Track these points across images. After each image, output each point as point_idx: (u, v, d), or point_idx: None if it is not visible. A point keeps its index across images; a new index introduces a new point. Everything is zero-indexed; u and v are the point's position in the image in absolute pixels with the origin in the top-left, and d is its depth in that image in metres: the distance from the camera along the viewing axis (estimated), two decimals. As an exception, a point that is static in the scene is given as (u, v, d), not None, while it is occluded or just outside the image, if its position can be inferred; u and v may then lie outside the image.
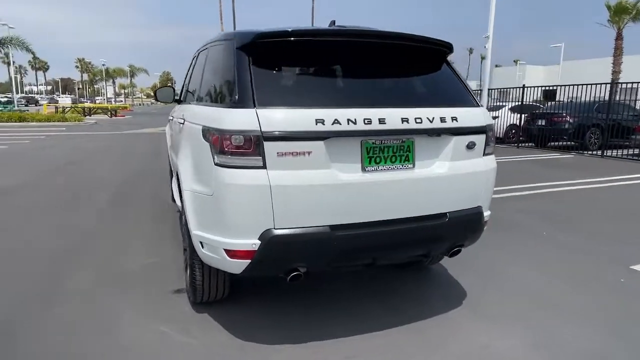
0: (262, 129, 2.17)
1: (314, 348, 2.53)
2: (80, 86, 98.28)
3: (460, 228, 2.69)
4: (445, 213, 2.58)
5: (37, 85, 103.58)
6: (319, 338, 2.62)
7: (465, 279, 3.50)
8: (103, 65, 76.10)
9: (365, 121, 2.30)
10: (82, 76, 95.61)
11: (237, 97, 2.27)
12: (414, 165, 2.48)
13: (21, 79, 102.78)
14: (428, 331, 2.73)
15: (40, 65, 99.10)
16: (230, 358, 2.45)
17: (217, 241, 2.33)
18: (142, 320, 2.81)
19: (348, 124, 2.27)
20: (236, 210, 2.24)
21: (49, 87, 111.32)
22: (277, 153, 2.19)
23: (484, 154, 2.74)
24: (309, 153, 2.22)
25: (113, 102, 68.67)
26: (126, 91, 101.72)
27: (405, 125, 2.39)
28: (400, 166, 2.45)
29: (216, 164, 2.25)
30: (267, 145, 2.17)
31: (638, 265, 3.79)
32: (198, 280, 2.77)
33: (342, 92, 2.50)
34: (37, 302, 3.03)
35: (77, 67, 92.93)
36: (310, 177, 2.24)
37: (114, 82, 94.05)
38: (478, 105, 2.76)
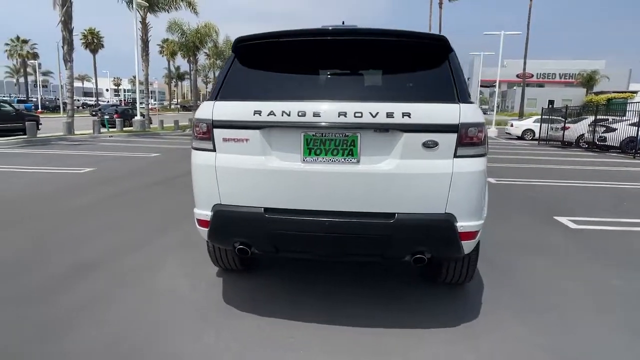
0: (214, 118, 2.58)
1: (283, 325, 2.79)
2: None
3: (414, 233, 2.48)
4: (393, 213, 2.44)
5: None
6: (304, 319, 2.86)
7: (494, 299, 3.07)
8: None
9: (299, 114, 2.44)
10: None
11: (214, 93, 2.74)
12: (358, 160, 2.46)
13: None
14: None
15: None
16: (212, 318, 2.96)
17: (194, 212, 2.85)
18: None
19: (282, 115, 2.46)
20: (198, 186, 2.71)
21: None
22: (223, 139, 2.57)
23: (457, 156, 2.44)
24: (247, 140, 2.52)
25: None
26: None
27: (342, 119, 2.41)
28: (343, 160, 2.47)
29: (192, 147, 2.77)
30: (216, 132, 2.58)
31: None
32: (209, 248, 3.34)
33: (287, 87, 2.67)
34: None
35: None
36: (248, 162, 2.53)
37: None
38: (456, 102, 2.47)
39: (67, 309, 2.89)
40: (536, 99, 53.34)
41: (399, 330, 2.73)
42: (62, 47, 18.22)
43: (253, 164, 2.53)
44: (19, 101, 43.96)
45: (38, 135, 15.90)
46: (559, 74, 63.14)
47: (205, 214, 2.69)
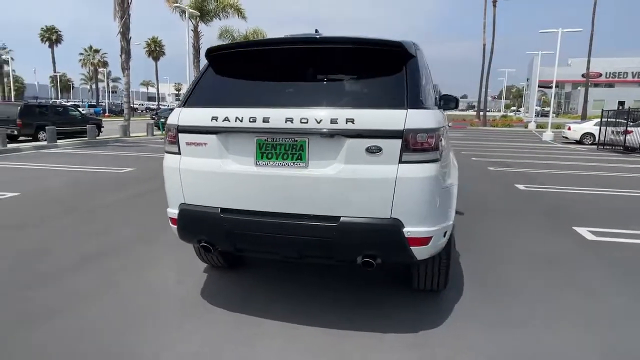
0: (179, 123, 2.77)
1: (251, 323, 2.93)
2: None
3: (359, 237, 2.51)
4: (338, 217, 2.49)
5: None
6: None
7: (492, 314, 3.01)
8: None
9: (250, 119, 2.56)
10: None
11: (183, 100, 2.93)
12: (307, 165, 2.53)
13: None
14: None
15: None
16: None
17: (167, 211, 3.04)
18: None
19: (235, 121, 2.59)
20: (167, 186, 2.91)
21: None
22: (186, 143, 2.75)
23: (402, 161, 2.44)
24: (205, 144, 2.68)
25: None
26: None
27: (289, 125, 2.49)
28: (292, 164, 2.55)
29: (164, 151, 2.97)
30: (180, 136, 2.76)
31: None
32: (194, 245, 3.54)
33: (245, 94, 2.78)
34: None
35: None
36: (207, 164, 2.68)
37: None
38: (404, 107, 2.46)
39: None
40: (604, 100, 49.53)
41: (370, 334, 2.74)
42: (120, 55, 19.62)
43: (211, 167, 2.68)
44: (90, 105, 47.78)
45: (98, 138, 17.29)
46: (632, 72, 58.43)
47: (174, 212, 2.88)
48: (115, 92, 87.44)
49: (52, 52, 61.24)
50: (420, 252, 2.58)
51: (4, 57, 55.92)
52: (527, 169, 10.70)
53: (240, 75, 2.92)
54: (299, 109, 2.52)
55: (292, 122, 2.49)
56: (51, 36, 59.95)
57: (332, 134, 2.47)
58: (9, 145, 13.41)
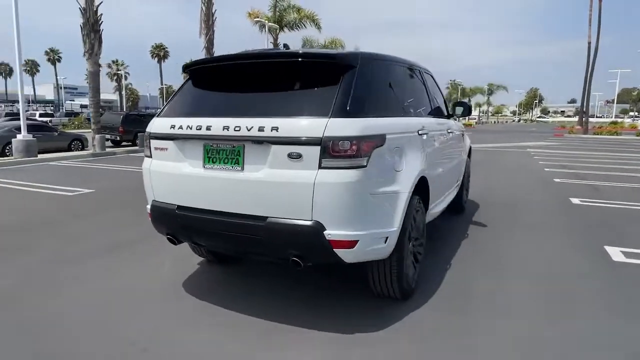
0: (150, 131, 3.18)
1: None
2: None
3: (284, 236, 2.67)
4: (266, 217, 2.68)
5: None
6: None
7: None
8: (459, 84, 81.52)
9: (197, 127, 2.87)
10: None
11: (159, 111, 3.36)
12: (243, 168, 2.77)
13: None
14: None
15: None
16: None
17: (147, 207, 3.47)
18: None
19: (187, 129, 2.92)
20: (145, 185, 3.33)
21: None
22: (155, 148, 3.14)
23: (321, 167, 2.55)
24: (167, 149, 3.05)
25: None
26: (482, 109, 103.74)
27: (225, 132, 2.76)
28: (231, 167, 2.80)
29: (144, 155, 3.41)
30: (151, 142, 3.17)
31: None
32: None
33: (201, 105, 3.10)
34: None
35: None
36: (168, 167, 3.06)
37: (469, 101, 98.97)
38: (326, 117, 2.58)
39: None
40: None
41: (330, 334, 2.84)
42: (205, 68, 21.41)
43: (171, 169, 3.04)
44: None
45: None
46: None
47: (148, 207, 3.29)
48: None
49: (160, 67, 69.20)
50: (346, 255, 2.66)
51: (121, 72, 64.03)
52: (602, 181, 9.64)
53: (200, 89, 3.27)
54: (235, 118, 2.77)
55: (227, 130, 2.76)
56: (159, 52, 67.58)
57: (261, 141, 2.68)
58: (108, 149, 15.58)
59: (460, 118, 5.30)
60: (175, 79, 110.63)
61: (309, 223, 2.61)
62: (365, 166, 2.61)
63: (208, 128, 2.84)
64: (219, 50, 22.03)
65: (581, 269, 4.11)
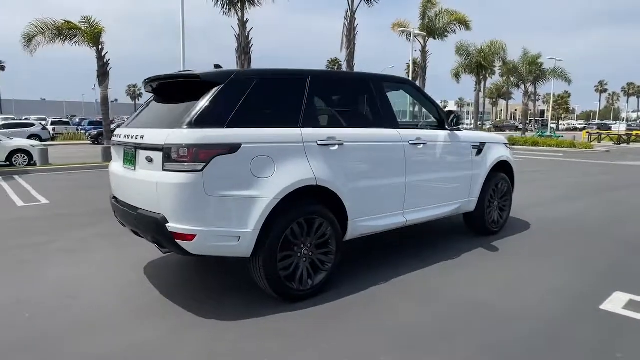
0: (112, 139, 4.12)
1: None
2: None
3: (145, 225, 3.23)
4: (137, 208, 3.29)
5: (627, 112, 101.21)
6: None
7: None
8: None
9: (116, 135, 3.65)
10: None
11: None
12: (135, 169, 3.42)
13: (612, 105, 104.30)
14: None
15: (634, 91, 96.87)
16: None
17: None
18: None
19: (116, 137, 3.73)
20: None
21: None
22: (112, 152, 4.06)
23: (164, 169, 3.03)
24: (113, 153, 3.92)
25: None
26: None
27: (127, 140, 3.47)
28: (132, 168, 3.49)
29: None
30: (111, 148, 4.10)
31: None
32: None
33: (132, 117, 3.83)
34: None
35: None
36: (112, 166, 3.92)
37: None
38: (176, 127, 3.03)
39: (93, 245, 5.08)
40: None
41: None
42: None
43: (113, 168, 3.90)
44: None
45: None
46: None
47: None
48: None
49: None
50: (188, 246, 3.06)
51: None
52: None
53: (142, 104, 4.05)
54: (134, 129, 3.48)
55: (128, 138, 3.47)
56: (334, 67, 73.35)
57: (136, 147, 3.31)
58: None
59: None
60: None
61: (156, 216, 3.11)
62: (200, 170, 2.97)
63: (119, 136, 3.62)
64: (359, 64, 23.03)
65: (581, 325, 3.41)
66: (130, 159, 3.52)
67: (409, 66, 26.73)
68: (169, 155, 3.02)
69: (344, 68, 22.77)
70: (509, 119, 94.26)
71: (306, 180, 3.39)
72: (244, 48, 18.09)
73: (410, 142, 4.23)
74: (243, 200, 3.12)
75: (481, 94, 31.96)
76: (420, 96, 4.84)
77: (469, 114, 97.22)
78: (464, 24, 24.85)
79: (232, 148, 3.08)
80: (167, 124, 3.21)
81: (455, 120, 4.68)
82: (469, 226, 5.50)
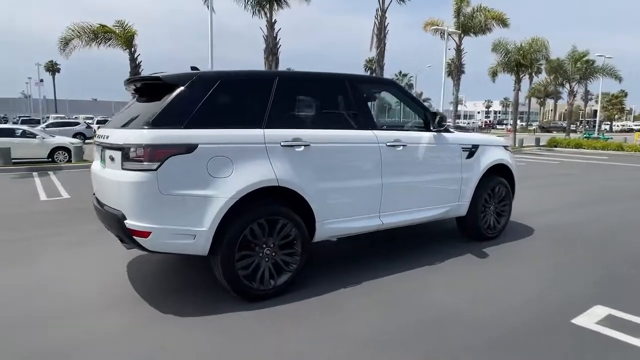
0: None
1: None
2: None
3: (110, 221, 3.37)
4: (104, 205, 3.43)
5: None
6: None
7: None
8: None
9: (95, 135, 3.82)
10: None
11: None
12: (104, 167, 3.58)
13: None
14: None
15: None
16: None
17: None
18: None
19: (95, 137, 3.91)
20: None
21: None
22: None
23: (123, 168, 3.15)
24: (95, 152, 4.12)
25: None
26: None
27: (100, 140, 3.62)
28: (103, 166, 3.64)
29: None
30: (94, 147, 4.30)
31: None
32: None
33: (111, 119, 3.97)
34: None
35: None
36: (93, 165, 4.09)
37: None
38: (140, 128, 3.15)
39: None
40: None
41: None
42: (375, 80, 22.48)
43: (93, 167, 4.06)
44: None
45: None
46: None
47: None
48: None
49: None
50: (145, 243, 3.18)
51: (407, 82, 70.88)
52: None
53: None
54: (104, 129, 3.64)
55: (99, 138, 3.64)
56: (372, 66, 72.67)
57: (104, 147, 3.47)
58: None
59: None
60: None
61: (117, 212, 3.24)
62: (154, 170, 3.07)
63: (99, 136, 3.79)
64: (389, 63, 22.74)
65: (550, 338, 3.26)
66: (102, 158, 3.68)
67: (449, 64, 26.03)
68: (127, 155, 3.14)
69: (375, 67, 22.57)
70: (557, 119, 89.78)
71: (267, 181, 3.42)
72: (271, 49, 18.36)
73: (388, 143, 4.16)
74: (198, 199, 3.19)
75: (522, 94, 30.56)
76: (405, 97, 4.74)
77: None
78: (501, 21, 23.95)
79: (189, 148, 3.16)
80: (131, 124, 3.34)
81: (439, 121, 4.53)
82: (462, 231, 5.33)
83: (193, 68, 3.99)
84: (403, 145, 4.28)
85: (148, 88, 3.59)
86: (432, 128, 4.58)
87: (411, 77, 69.79)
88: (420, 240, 5.34)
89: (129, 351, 2.82)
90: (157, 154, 3.08)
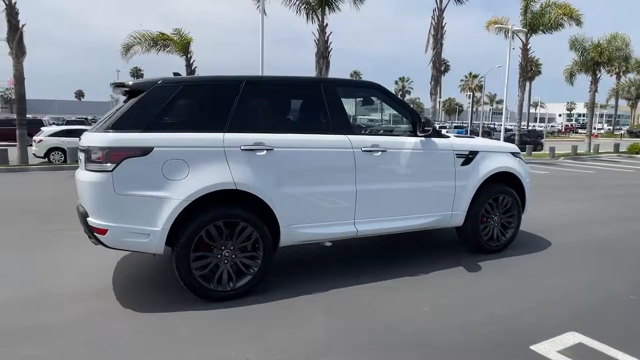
0: None
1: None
2: None
3: (79, 217, 3.61)
4: (79, 205, 3.70)
5: None
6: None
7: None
8: None
9: (79, 140, 4.12)
10: None
11: None
12: (84, 169, 3.85)
13: None
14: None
15: None
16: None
17: None
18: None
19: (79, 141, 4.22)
20: None
21: None
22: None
23: (86, 168, 3.40)
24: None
25: None
26: None
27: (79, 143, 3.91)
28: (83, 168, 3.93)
29: None
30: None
31: None
32: None
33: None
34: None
35: None
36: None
37: None
38: (104, 132, 3.37)
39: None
40: None
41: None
42: (430, 82, 21.81)
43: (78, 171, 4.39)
44: (456, 127, 52.70)
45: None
46: None
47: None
48: (500, 114, 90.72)
49: (440, 80, 71.99)
50: (104, 240, 3.37)
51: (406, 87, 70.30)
52: None
53: None
54: (85, 133, 3.90)
55: (79, 141, 3.92)
56: (440, 67, 70.41)
57: (78, 148, 3.73)
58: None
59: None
60: (451, 91, 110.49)
61: (83, 210, 3.49)
62: (110, 171, 3.26)
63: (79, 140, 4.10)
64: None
65: None
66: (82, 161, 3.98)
67: (521, 65, 24.48)
68: (90, 157, 3.38)
69: (430, 69, 21.91)
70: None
71: (223, 184, 3.48)
72: (322, 52, 18.51)
73: (363, 149, 4.03)
74: (152, 200, 3.34)
75: (605, 95, 27.77)
76: (391, 101, 4.55)
77: (601, 116, 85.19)
78: (574, 18, 22.01)
79: (144, 151, 3.32)
80: (97, 127, 3.59)
81: (423, 125, 4.29)
82: (462, 242, 5.02)
83: (175, 74, 4.19)
84: (382, 151, 4.13)
85: (124, 93, 3.81)
86: (418, 133, 4.37)
87: (482, 77, 66.59)
88: (411, 251, 5.11)
89: (68, 342, 3.00)
90: (113, 156, 3.27)
